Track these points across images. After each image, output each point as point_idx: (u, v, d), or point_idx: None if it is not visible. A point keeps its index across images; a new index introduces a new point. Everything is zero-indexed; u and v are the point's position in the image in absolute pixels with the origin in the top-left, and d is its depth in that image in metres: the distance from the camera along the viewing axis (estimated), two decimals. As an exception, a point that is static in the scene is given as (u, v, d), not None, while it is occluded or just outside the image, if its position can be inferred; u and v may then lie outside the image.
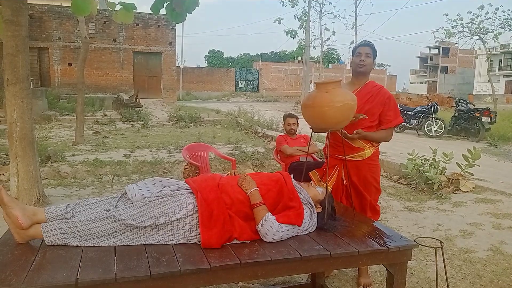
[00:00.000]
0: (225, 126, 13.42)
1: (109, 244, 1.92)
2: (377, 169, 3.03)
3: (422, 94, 30.47)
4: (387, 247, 2.04)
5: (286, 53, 63.08)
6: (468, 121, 11.29)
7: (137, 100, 16.31)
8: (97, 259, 1.78)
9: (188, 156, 4.93)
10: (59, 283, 1.59)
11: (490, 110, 11.09)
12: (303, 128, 5.08)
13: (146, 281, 1.68)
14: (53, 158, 6.77)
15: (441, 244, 2.66)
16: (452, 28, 19.26)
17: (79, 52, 13.17)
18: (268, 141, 9.76)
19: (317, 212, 2.29)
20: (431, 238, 3.50)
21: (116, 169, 6.57)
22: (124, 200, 2.12)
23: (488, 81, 19.92)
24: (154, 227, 1.97)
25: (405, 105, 15.09)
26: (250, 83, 43.48)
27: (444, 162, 5.81)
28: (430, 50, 62.01)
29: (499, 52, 46.32)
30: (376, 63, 3.02)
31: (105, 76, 20.81)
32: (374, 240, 2.11)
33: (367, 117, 2.76)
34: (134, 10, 4.38)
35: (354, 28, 24.50)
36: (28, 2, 4.50)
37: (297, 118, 4.98)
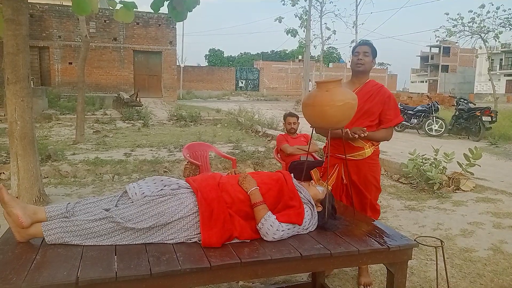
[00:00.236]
0: (226, 125, 13.42)
1: (110, 243, 1.92)
2: (377, 168, 3.03)
3: (423, 93, 30.43)
4: (388, 246, 2.03)
5: (287, 52, 63.07)
6: (469, 120, 11.28)
7: (138, 99, 16.32)
8: (97, 258, 1.78)
9: (188, 155, 4.93)
10: (60, 282, 1.59)
11: (491, 109, 11.08)
12: (304, 127, 5.08)
13: (147, 280, 1.68)
14: (53, 157, 6.78)
15: (441, 243, 2.66)
16: (453, 27, 19.27)
17: (79, 51, 13.17)
18: (269, 140, 9.76)
19: (317, 211, 2.29)
20: (431, 237, 3.49)
21: (116, 168, 6.57)
22: (124, 199, 2.12)
23: (489, 80, 19.90)
24: (155, 227, 1.97)
25: (405, 104, 15.07)
26: (251, 82, 43.46)
27: (444, 161, 5.81)
28: (430, 49, 61.98)
29: (500, 51, 46.26)
30: (376, 62, 3.01)
31: (106, 75, 20.83)
32: (374, 239, 2.11)
33: (367, 135, 2.75)
34: (134, 9, 4.38)
35: (354, 27, 24.48)
36: (28, 1, 4.50)
37: (297, 117, 4.98)
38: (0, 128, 10.46)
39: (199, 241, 1.98)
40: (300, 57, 46.73)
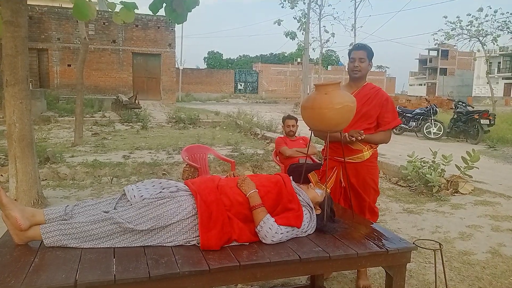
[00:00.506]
0: (224, 127, 13.42)
1: (108, 246, 1.92)
2: (375, 170, 3.03)
3: (421, 96, 30.53)
4: (386, 249, 2.04)
5: (286, 54, 63.16)
6: (467, 123, 11.30)
7: (136, 101, 16.31)
8: (96, 261, 1.78)
9: (187, 157, 4.93)
10: (58, 285, 1.59)
11: (489, 112, 11.10)
12: (302, 129, 5.08)
13: (145, 282, 1.68)
14: (52, 159, 6.77)
15: (440, 247, 2.66)
16: (451, 30, 19.37)
17: (78, 53, 13.17)
18: (267, 143, 9.76)
19: (316, 214, 2.29)
20: (430, 240, 3.50)
21: (115, 171, 6.56)
22: (123, 201, 2.11)
23: (487, 83, 19.99)
24: (153, 229, 1.96)
25: (404, 107, 15.10)
26: (250, 84, 43.51)
27: (443, 164, 5.82)
28: (429, 52, 62.16)
29: (498, 55, 46.42)
30: (372, 64, 3.01)
31: (104, 77, 20.80)
32: (373, 242, 2.11)
33: (364, 137, 2.76)
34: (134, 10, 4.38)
35: (353, 30, 24.56)
36: (27, 3, 4.50)
37: (296, 120, 4.98)
38: (-1, 130, 10.45)
39: (198, 243, 1.98)
40: (299, 59, 46.79)
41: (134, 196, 2.08)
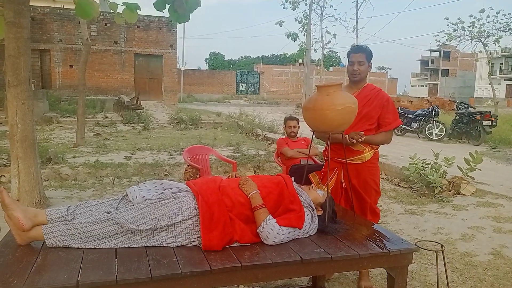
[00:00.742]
0: (226, 128, 13.43)
1: (110, 246, 1.92)
2: (376, 171, 3.03)
3: (423, 97, 30.46)
4: (388, 250, 2.03)
5: (287, 55, 63.21)
6: (469, 125, 11.28)
7: (138, 102, 16.33)
8: (98, 261, 1.79)
9: (188, 158, 4.93)
10: (60, 285, 1.59)
11: (491, 114, 11.08)
12: (304, 130, 5.08)
13: (147, 283, 1.68)
14: (54, 160, 6.78)
15: (442, 248, 2.66)
16: (453, 31, 19.33)
17: (80, 54, 13.20)
18: (269, 144, 9.76)
19: (318, 215, 2.29)
20: (432, 241, 3.49)
21: (117, 171, 6.57)
22: (125, 202, 2.12)
23: (489, 84, 19.95)
24: (155, 230, 1.97)
25: (406, 108, 15.07)
26: (251, 85, 43.50)
27: (445, 165, 5.81)
28: (431, 53, 62.10)
29: (500, 56, 46.28)
30: (372, 65, 3.00)
31: (106, 78, 20.85)
32: (375, 244, 2.10)
33: (364, 139, 2.76)
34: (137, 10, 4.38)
35: (355, 31, 24.58)
36: (30, 4, 4.51)
37: (297, 121, 4.98)
38: (1, 131, 10.48)
39: (199, 244, 1.98)
40: (300, 60, 46.83)
41: (136, 196, 2.09)
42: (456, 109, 12.27)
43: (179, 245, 1.98)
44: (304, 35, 22.72)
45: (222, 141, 10.07)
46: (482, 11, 18.62)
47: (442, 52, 58.60)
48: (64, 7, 20.61)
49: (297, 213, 2.17)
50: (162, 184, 2.21)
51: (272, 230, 2.04)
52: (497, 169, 7.60)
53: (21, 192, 4.48)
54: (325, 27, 31.39)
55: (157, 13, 4.08)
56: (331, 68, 52.60)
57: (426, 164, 5.97)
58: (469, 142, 11.30)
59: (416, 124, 12.68)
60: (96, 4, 3.89)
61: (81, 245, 1.90)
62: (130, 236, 1.95)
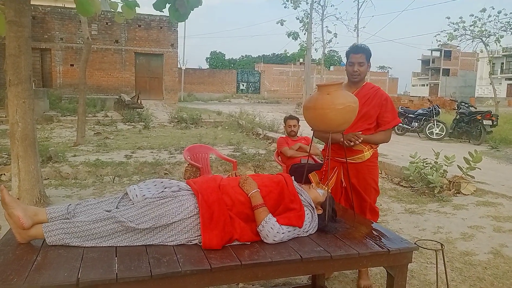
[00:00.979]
0: (226, 127, 13.43)
1: (110, 245, 1.93)
2: (376, 170, 3.04)
3: (424, 97, 30.48)
4: (388, 249, 2.04)
5: (288, 55, 63.15)
6: (470, 124, 11.27)
7: (139, 101, 16.34)
8: (98, 259, 1.79)
9: (189, 157, 4.93)
10: (60, 283, 1.59)
11: (492, 113, 11.07)
12: (304, 130, 5.08)
13: (147, 281, 1.69)
14: (54, 158, 6.79)
15: (441, 247, 2.66)
16: (454, 31, 19.27)
17: (81, 53, 13.21)
18: (269, 143, 9.77)
19: (318, 214, 2.29)
20: (431, 240, 3.50)
21: (117, 170, 6.58)
22: (125, 200, 2.12)
23: (490, 84, 19.92)
24: (155, 228, 1.97)
25: (406, 107, 15.06)
26: (252, 84, 43.50)
27: (445, 165, 5.81)
28: (432, 52, 62.03)
29: (501, 55, 46.18)
30: (371, 65, 2.99)
31: (107, 77, 20.85)
32: (374, 242, 2.11)
33: (361, 140, 2.76)
34: (136, 8, 4.38)
35: (356, 30, 24.53)
36: (31, 3, 4.51)
37: (298, 120, 4.99)
38: (1, 130, 10.49)
39: (199, 243, 1.99)
40: (301, 60, 46.79)
41: (136, 195, 2.09)
42: (456, 108, 12.26)
43: (179, 243, 1.98)
44: (305, 34, 22.73)
45: (223, 140, 10.07)
46: (483, 10, 18.58)
47: (443, 52, 58.55)
48: (65, 6, 20.61)
49: (297, 212, 2.18)
50: (162, 182, 2.22)
51: (272, 229, 2.05)
52: (498, 169, 7.60)
53: (22, 190, 4.48)
54: (326, 26, 31.40)
55: (157, 12, 4.08)
56: (332, 68, 52.60)
57: (426, 164, 5.97)
58: (469, 142, 11.30)
59: (416, 124, 12.68)
60: (97, 1, 3.89)
61: (81, 244, 1.91)
62: (130, 234, 1.95)
